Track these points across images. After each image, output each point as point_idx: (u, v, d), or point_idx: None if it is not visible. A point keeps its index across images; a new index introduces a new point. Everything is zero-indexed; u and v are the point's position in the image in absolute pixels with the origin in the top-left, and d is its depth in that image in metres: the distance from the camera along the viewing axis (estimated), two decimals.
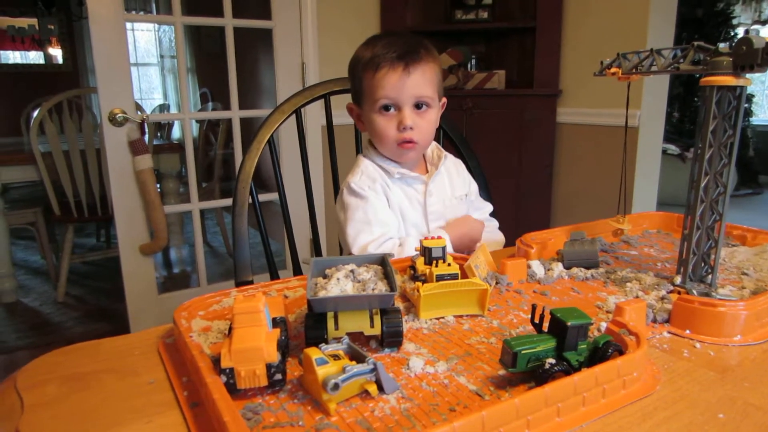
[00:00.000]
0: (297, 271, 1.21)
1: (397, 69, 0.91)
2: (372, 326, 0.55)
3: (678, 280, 0.69)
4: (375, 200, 0.95)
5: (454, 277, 0.64)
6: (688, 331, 0.60)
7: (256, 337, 0.47)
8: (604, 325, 0.57)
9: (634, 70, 0.70)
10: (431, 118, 0.96)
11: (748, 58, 0.58)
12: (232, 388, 0.46)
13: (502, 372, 0.50)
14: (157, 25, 5.83)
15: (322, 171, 2.38)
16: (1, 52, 5.19)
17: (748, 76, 0.61)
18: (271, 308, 0.55)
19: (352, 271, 0.59)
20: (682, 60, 0.64)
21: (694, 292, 0.66)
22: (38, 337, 2.34)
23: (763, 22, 6.18)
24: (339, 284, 0.56)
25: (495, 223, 1.13)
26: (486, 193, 1.18)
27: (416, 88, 0.92)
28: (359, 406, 0.46)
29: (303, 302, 0.67)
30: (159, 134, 3.77)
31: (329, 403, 0.45)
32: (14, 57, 5.29)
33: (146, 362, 0.56)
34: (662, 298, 0.66)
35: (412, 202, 1.00)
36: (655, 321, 0.62)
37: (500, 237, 1.11)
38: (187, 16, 2.05)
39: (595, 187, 2.29)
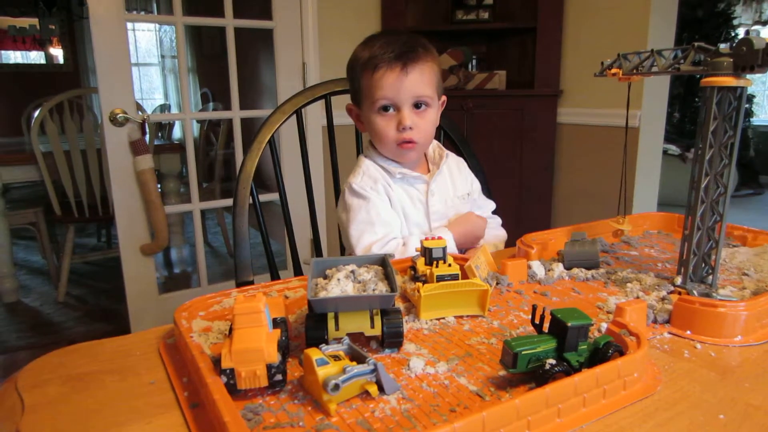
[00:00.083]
0: (298, 271, 1.21)
1: (395, 69, 0.90)
2: (372, 327, 0.55)
3: (678, 280, 0.69)
4: (377, 201, 0.95)
5: (454, 277, 0.64)
6: (688, 332, 0.60)
7: (256, 337, 0.47)
8: (604, 326, 0.57)
9: (634, 71, 0.70)
10: (431, 118, 0.96)
11: (749, 58, 0.58)
12: (232, 389, 0.46)
13: (502, 373, 0.50)
14: (157, 25, 5.83)
15: (323, 171, 2.38)
16: (2, 51, 5.20)
17: (748, 76, 0.61)
18: (271, 309, 0.55)
19: (352, 271, 0.59)
20: (682, 61, 0.64)
21: (695, 292, 0.66)
22: (39, 337, 2.34)
23: (764, 23, 6.18)
24: (339, 285, 0.56)
25: (498, 220, 1.13)
26: (487, 193, 1.18)
27: (415, 87, 0.92)
28: (360, 407, 0.46)
29: (303, 303, 0.67)
30: (160, 134, 3.77)
31: (330, 403, 0.45)
32: (15, 57, 5.30)
33: (147, 363, 0.56)
34: (663, 299, 0.66)
35: (414, 201, 0.99)
36: (655, 321, 0.62)
37: (503, 233, 1.11)
38: (188, 16, 2.05)
39: (596, 187, 2.29)
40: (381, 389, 0.47)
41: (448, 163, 1.04)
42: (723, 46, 0.61)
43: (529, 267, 0.76)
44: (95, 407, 0.48)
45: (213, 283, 2.29)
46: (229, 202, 1.85)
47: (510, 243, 0.94)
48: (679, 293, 0.67)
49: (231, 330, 0.49)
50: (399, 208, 0.98)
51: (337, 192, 1.10)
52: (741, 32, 5.26)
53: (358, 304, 0.55)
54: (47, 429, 0.46)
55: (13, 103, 4.54)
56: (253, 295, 0.51)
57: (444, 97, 1.01)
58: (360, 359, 0.48)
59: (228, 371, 0.46)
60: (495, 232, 1.08)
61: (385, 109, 0.93)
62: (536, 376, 0.48)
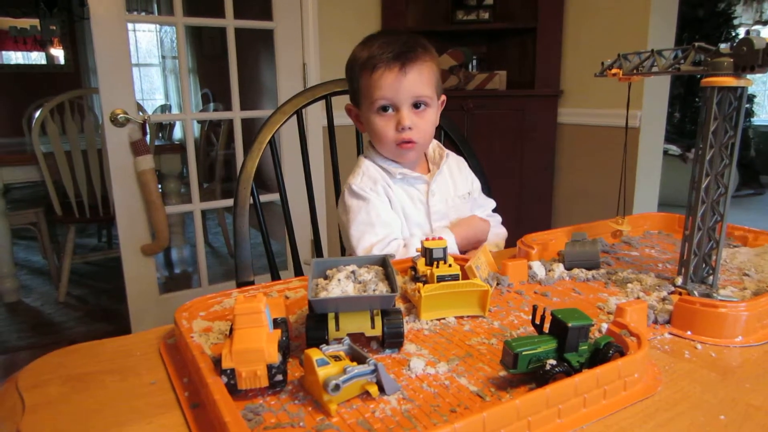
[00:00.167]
0: (298, 271, 1.21)
1: (394, 69, 0.90)
2: (373, 327, 0.55)
3: (679, 281, 0.69)
4: (377, 201, 0.95)
5: (455, 278, 0.64)
6: (689, 332, 0.60)
7: (257, 337, 0.47)
8: (605, 326, 0.57)
9: (634, 71, 0.70)
10: (430, 118, 0.96)
11: (749, 58, 0.58)
12: (233, 389, 0.46)
13: (502, 373, 0.50)
14: (158, 26, 5.83)
15: (323, 172, 2.38)
16: (3, 52, 5.21)
17: (749, 76, 0.61)
18: (272, 309, 0.55)
19: (353, 272, 0.59)
20: (682, 61, 0.64)
21: (696, 293, 0.66)
22: (39, 337, 2.34)
23: (764, 23, 6.17)
24: (340, 285, 0.56)
25: (497, 218, 1.13)
26: (487, 193, 1.18)
27: (413, 87, 0.91)
28: (360, 407, 0.46)
29: (304, 303, 0.67)
30: (160, 135, 3.77)
31: (330, 404, 0.45)
32: (16, 57, 5.30)
33: (147, 363, 0.56)
34: (663, 299, 0.66)
35: (414, 202, 0.99)
36: (656, 322, 0.62)
37: (503, 231, 1.11)
38: (189, 16, 2.06)
39: (597, 187, 2.28)
40: (381, 389, 0.47)
41: (448, 163, 1.04)
42: (723, 46, 0.61)
43: (530, 267, 0.76)
44: (96, 407, 0.48)
45: (213, 283, 2.30)
46: (229, 202, 1.85)
47: (510, 243, 0.94)
48: (680, 294, 0.67)
49: (231, 330, 0.49)
50: (399, 209, 0.98)
51: (338, 192, 1.10)
52: (741, 32, 5.26)
53: (358, 305, 0.55)
54: (48, 429, 0.46)
55: (14, 103, 4.54)
56: (254, 295, 0.51)
57: (443, 97, 1.01)
58: (360, 360, 0.48)
59: (228, 371, 0.46)
60: (495, 230, 1.09)
61: (384, 109, 0.93)
62: (537, 376, 0.48)
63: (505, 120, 2.45)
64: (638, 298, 0.68)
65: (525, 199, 2.48)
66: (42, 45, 5.31)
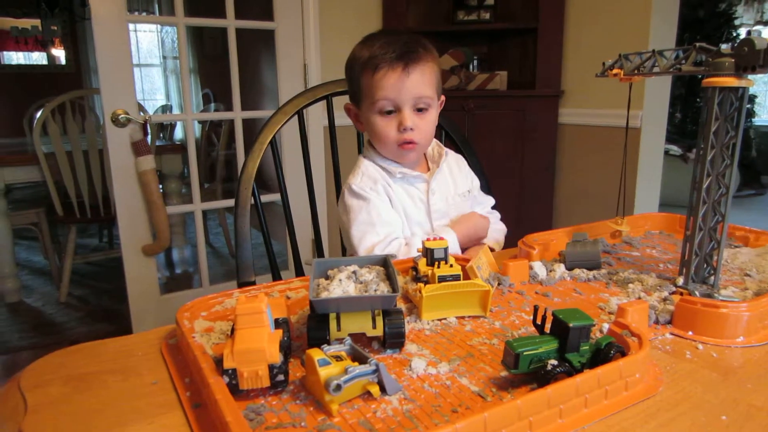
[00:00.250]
0: (299, 271, 1.21)
1: (396, 69, 0.90)
2: (374, 327, 0.55)
3: (680, 281, 0.69)
4: (377, 201, 0.95)
5: (456, 278, 0.64)
6: (690, 333, 0.60)
7: (258, 338, 0.47)
8: (606, 327, 0.57)
9: (635, 71, 0.70)
10: (431, 119, 0.96)
11: (750, 59, 0.58)
12: (234, 389, 0.46)
13: (504, 373, 0.50)
14: (159, 26, 5.84)
15: (324, 172, 2.38)
16: (5, 53, 5.21)
17: (750, 77, 0.61)
18: (273, 309, 0.55)
19: (354, 272, 0.59)
20: (684, 61, 0.64)
21: (697, 293, 0.66)
22: (41, 337, 2.34)
23: (766, 23, 6.17)
24: (341, 285, 0.56)
25: (497, 215, 1.13)
26: (487, 193, 1.18)
27: (416, 88, 0.91)
28: (361, 407, 0.46)
29: (305, 303, 0.67)
30: (161, 135, 3.78)
31: (331, 404, 0.45)
32: (17, 58, 5.31)
33: (149, 363, 0.56)
34: (664, 300, 0.66)
35: (414, 201, 0.99)
36: (657, 322, 0.62)
37: (502, 227, 1.12)
38: (190, 17, 2.06)
39: (598, 187, 2.28)
40: (383, 390, 0.47)
41: (447, 161, 1.04)
42: (724, 47, 0.61)
43: (531, 267, 0.76)
44: (97, 407, 0.49)
45: (215, 283, 2.30)
46: (230, 202, 1.85)
47: (511, 243, 0.94)
48: (681, 294, 0.66)
49: (233, 330, 0.49)
50: (400, 208, 0.98)
51: (339, 192, 1.10)
52: (742, 32, 5.25)
53: (359, 305, 0.55)
54: (50, 429, 0.46)
55: (15, 103, 4.55)
56: (255, 295, 0.51)
57: (443, 97, 1.01)
58: (362, 360, 0.49)
59: (230, 371, 0.46)
60: (495, 226, 1.09)
61: (386, 109, 0.93)
62: (538, 376, 0.48)
63: (506, 120, 2.45)
64: (639, 298, 0.68)
65: (526, 199, 2.48)
66: (43, 45, 5.31)
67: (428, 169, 1.03)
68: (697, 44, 0.63)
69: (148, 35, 6.06)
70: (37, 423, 0.46)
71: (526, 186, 2.47)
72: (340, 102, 1.18)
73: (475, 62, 2.62)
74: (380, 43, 0.92)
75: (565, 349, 0.49)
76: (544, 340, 0.49)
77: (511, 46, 2.62)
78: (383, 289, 0.56)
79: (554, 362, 0.47)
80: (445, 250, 0.68)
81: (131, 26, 2.12)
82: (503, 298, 0.70)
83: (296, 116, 1.16)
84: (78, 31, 5.39)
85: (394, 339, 0.55)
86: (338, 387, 0.44)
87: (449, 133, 1.23)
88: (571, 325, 0.48)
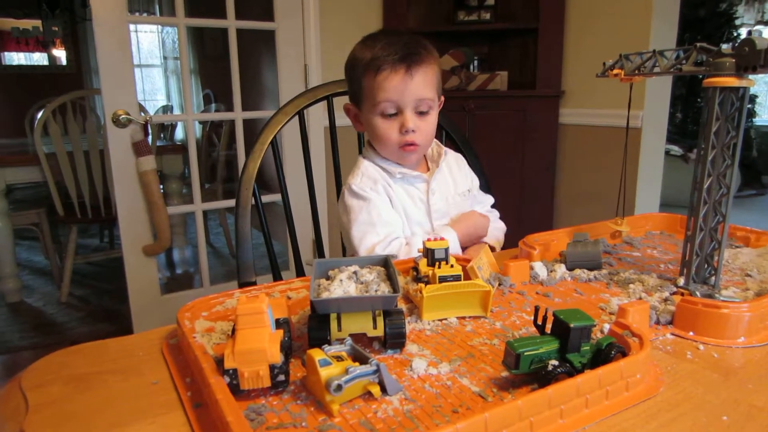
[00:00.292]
0: (300, 272, 1.21)
1: (399, 71, 0.90)
2: (375, 327, 0.55)
3: (681, 281, 0.69)
4: (378, 201, 0.95)
5: (456, 278, 0.64)
6: (691, 333, 0.60)
7: (259, 338, 0.47)
8: (607, 327, 0.57)
9: (636, 72, 0.70)
10: (432, 120, 0.96)
11: (751, 59, 0.58)
12: (235, 389, 0.46)
13: (504, 374, 0.50)
14: (160, 27, 5.84)
15: (325, 172, 2.38)
16: (6, 53, 5.22)
17: (751, 77, 0.61)
18: (274, 309, 0.55)
19: (355, 272, 0.59)
20: (684, 61, 0.64)
21: (698, 293, 0.66)
22: (42, 337, 2.34)
23: (766, 23, 6.16)
24: (342, 285, 0.56)
25: (496, 213, 1.13)
26: (489, 194, 1.18)
27: (418, 91, 0.91)
28: (362, 408, 0.46)
29: (306, 303, 0.67)
30: (162, 135, 3.78)
31: (332, 404, 0.45)
32: (18, 58, 5.32)
33: (150, 363, 0.56)
34: (665, 300, 0.66)
35: (414, 201, 0.99)
36: (658, 323, 0.62)
37: (502, 225, 1.12)
38: (190, 17, 2.06)
39: (598, 188, 2.28)
40: (383, 390, 0.47)
41: (447, 161, 1.04)
42: (725, 47, 0.61)
43: (532, 268, 0.76)
44: (98, 407, 0.49)
45: (215, 283, 2.30)
46: (231, 203, 1.85)
47: (512, 244, 0.94)
48: (682, 294, 0.66)
49: (234, 330, 0.49)
50: (400, 208, 0.98)
51: (340, 192, 1.10)
52: (743, 32, 5.25)
53: (360, 305, 0.55)
54: (51, 429, 0.46)
55: (16, 104, 4.56)
56: (256, 295, 0.51)
57: (442, 98, 1.01)
58: (362, 360, 0.49)
59: (231, 371, 0.46)
60: (495, 224, 1.09)
61: (388, 111, 0.93)
62: (539, 377, 0.48)
63: (507, 120, 2.45)
64: (640, 298, 0.68)
65: (526, 199, 2.48)
66: (44, 46, 5.32)
67: (428, 169, 1.03)
68: (698, 44, 0.63)
69: (148, 36, 6.07)
70: (39, 423, 0.46)
71: (527, 186, 2.47)
72: (341, 102, 1.18)
73: (476, 62, 2.62)
74: (382, 44, 0.91)
75: (566, 349, 0.49)
76: (545, 340, 0.49)
77: (511, 47, 2.62)
78: (384, 289, 0.56)
79: (555, 363, 0.47)
80: (446, 250, 0.68)
81: (132, 27, 2.12)
82: (504, 298, 0.70)
83: (297, 116, 1.16)
84: (79, 31, 5.40)
85: (394, 339, 0.55)
86: (339, 387, 0.44)
87: (450, 134, 1.23)
88: (572, 325, 0.48)
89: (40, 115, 2.53)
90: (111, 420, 0.47)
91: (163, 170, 2.78)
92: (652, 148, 2.14)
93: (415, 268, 0.72)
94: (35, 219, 2.83)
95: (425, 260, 0.69)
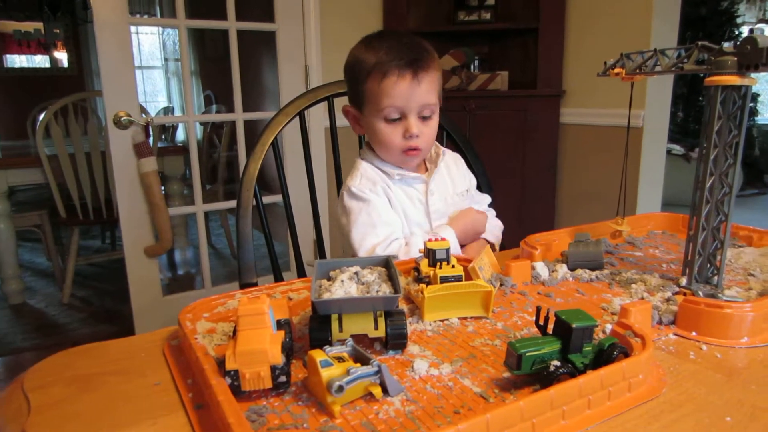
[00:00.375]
0: (301, 273, 1.21)
1: (406, 77, 0.89)
2: (376, 328, 0.55)
3: (684, 281, 0.69)
4: (377, 202, 0.95)
5: (458, 278, 0.64)
6: (694, 333, 0.60)
7: (260, 339, 0.47)
8: (609, 327, 0.57)
9: (637, 71, 0.69)
10: (434, 125, 0.96)
11: (753, 57, 0.58)
12: (236, 390, 0.46)
13: (506, 374, 0.50)
14: (161, 29, 5.86)
15: (326, 173, 2.38)
16: (8, 56, 5.23)
17: (753, 75, 0.61)
18: (275, 310, 0.55)
19: (356, 273, 0.59)
20: (686, 60, 0.64)
21: (700, 293, 0.65)
22: (44, 338, 2.35)
23: None
24: (343, 286, 0.56)
25: (493, 212, 1.13)
26: (489, 194, 1.18)
27: (423, 97, 0.91)
28: (363, 409, 0.46)
29: (307, 304, 0.67)
30: (163, 137, 3.78)
31: (333, 405, 0.45)
32: (20, 61, 5.33)
33: (151, 364, 0.56)
34: (668, 300, 0.66)
35: (413, 201, 0.99)
36: (660, 323, 0.62)
37: (499, 222, 1.12)
38: (191, 19, 2.07)
39: (600, 187, 2.28)
40: (385, 391, 0.47)
41: (445, 161, 1.04)
42: (727, 45, 0.61)
43: (533, 268, 0.76)
44: (100, 408, 0.49)
45: (217, 284, 2.30)
46: (232, 204, 1.85)
47: (513, 244, 0.94)
48: (684, 294, 0.66)
49: (235, 331, 0.49)
50: (399, 209, 0.98)
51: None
52: (745, 30, 5.24)
53: (361, 306, 0.55)
54: (53, 430, 0.46)
55: (18, 106, 4.56)
56: (257, 296, 0.51)
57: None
58: (364, 361, 0.48)
59: (232, 373, 0.46)
60: (493, 222, 1.09)
61: (392, 117, 0.92)
62: (541, 377, 0.47)
63: (507, 120, 2.45)
64: (642, 298, 0.68)
65: (527, 199, 2.47)
66: (46, 48, 5.33)
67: (426, 170, 1.03)
68: (699, 43, 0.63)
69: (149, 37, 6.08)
70: (41, 424, 0.46)
71: (528, 186, 2.47)
72: (341, 103, 1.18)
73: (476, 62, 2.62)
74: (385, 48, 0.90)
75: (567, 350, 0.48)
76: (547, 341, 0.49)
77: (512, 46, 2.62)
78: (385, 290, 0.56)
79: (557, 363, 0.47)
80: (447, 250, 0.68)
81: (133, 29, 2.12)
82: (505, 298, 0.70)
83: (297, 117, 1.16)
84: (80, 33, 5.41)
85: (396, 340, 0.55)
86: (340, 388, 0.44)
87: (450, 134, 1.22)
88: (573, 325, 0.48)
89: (41, 117, 2.53)
90: (113, 421, 0.47)
91: (164, 171, 2.79)
92: (653, 148, 2.14)
93: (417, 269, 0.71)
94: (37, 221, 2.84)
95: (426, 261, 0.69)
